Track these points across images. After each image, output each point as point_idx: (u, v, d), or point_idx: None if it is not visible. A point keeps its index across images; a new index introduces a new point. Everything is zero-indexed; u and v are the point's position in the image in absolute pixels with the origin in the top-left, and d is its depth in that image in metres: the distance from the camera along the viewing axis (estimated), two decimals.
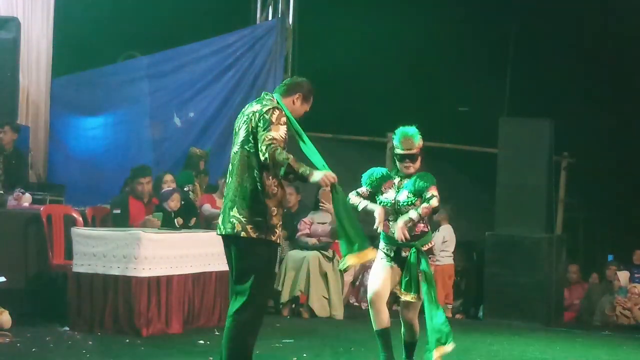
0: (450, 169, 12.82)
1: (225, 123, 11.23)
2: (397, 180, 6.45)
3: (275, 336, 8.02)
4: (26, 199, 9.01)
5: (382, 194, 6.46)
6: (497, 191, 10.53)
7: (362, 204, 6.42)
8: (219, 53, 11.74)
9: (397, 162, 6.47)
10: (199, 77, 11.67)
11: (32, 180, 10.22)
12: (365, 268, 10.71)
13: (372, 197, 6.46)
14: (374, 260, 6.29)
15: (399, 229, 6.26)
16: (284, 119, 5.47)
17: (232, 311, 5.50)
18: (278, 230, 5.54)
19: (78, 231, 8.16)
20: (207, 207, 9.91)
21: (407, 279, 6.36)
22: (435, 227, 10.14)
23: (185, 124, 11.63)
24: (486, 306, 10.36)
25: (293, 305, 9.83)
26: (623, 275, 10.71)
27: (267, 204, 5.46)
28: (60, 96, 11.40)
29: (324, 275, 9.79)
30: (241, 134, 5.53)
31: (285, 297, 9.75)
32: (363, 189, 6.49)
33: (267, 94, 5.68)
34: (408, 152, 6.38)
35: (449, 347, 6.32)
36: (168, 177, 9.54)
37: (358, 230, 5.64)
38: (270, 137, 5.34)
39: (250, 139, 5.48)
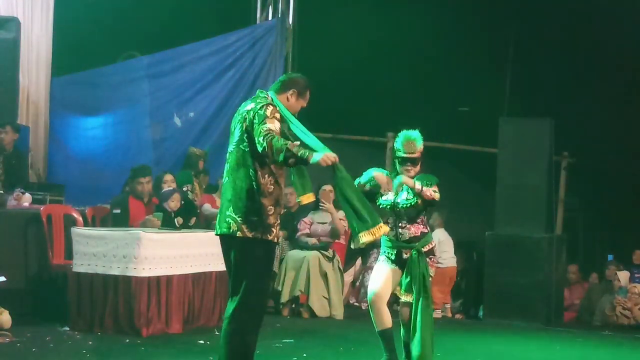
0: (450, 169, 12.81)
1: (225, 123, 11.22)
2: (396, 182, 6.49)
3: (275, 336, 8.02)
4: (26, 199, 9.01)
5: (381, 196, 6.50)
6: (497, 191, 10.53)
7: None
8: (219, 53, 11.73)
9: (398, 165, 6.50)
10: (199, 77, 11.66)
11: (32, 180, 10.22)
12: (365, 268, 10.73)
13: (368, 194, 6.48)
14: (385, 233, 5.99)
15: (403, 177, 6.28)
16: (278, 115, 5.46)
17: (229, 312, 5.48)
18: (275, 230, 5.51)
19: (78, 231, 8.16)
20: (207, 207, 9.91)
21: (407, 280, 6.38)
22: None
23: (185, 124, 11.62)
24: (486, 306, 10.36)
25: (293, 305, 9.83)
26: (623, 275, 10.71)
27: (262, 203, 5.44)
28: (60, 96, 11.40)
29: (324, 275, 9.79)
30: (236, 134, 5.53)
31: (285, 297, 9.75)
32: (361, 184, 6.51)
33: (261, 92, 5.66)
34: (410, 155, 6.43)
35: None
36: (168, 177, 9.54)
37: (367, 207, 5.53)
38: (266, 128, 5.32)
39: (245, 137, 5.47)
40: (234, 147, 5.54)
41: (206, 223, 9.60)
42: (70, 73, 11.73)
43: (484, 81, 13.02)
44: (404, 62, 13.32)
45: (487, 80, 13.15)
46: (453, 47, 13.37)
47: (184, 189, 9.39)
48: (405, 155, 6.44)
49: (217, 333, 7.74)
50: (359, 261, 11.05)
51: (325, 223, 10.06)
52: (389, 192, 6.47)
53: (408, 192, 6.39)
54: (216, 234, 5.61)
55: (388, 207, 6.46)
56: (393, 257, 6.47)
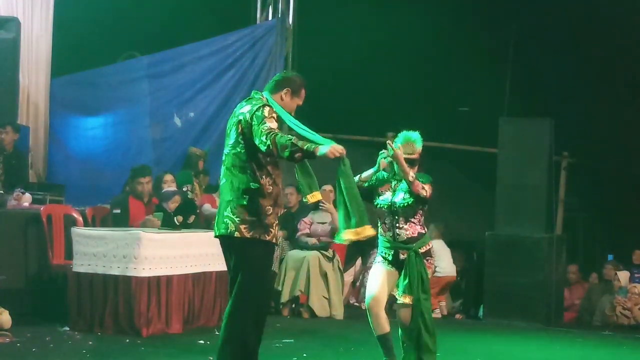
0: (450, 169, 12.82)
1: (225, 123, 11.18)
2: (393, 183, 6.50)
3: (275, 336, 8.02)
4: (26, 199, 9.01)
5: (379, 196, 6.51)
6: (497, 191, 10.53)
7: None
8: (219, 53, 11.73)
9: (393, 166, 6.50)
10: (199, 77, 11.66)
11: (32, 180, 10.23)
12: (365, 268, 10.73)
13: (366, 192, 6.48)
14: (371, 237, 5.87)
15: (397, 152, 6.27)
16: (275, 115, 5.46)
17: (228, 312, 5.48)
18: (274, 230, 5.51)
19: (78, 231, 8.16)
20: (207, 207, 9.90)
21: (406, 282, 6.38)
22: None
23: (185, 124, 11.62)
24: (486, 306, 10.36)
25: (293, 305, 9.83)
26: (623, 275, 10.70)
27: (261, 204, 5.44)
28: (60, 96, 11.40)
29: (324, 275, 9.79)
30: (232, 136, 5.52)
31: (285, 297, 9.75)
32: (362, 178, 6.51)
33: (256, 93, 5.66)
34: (409, 156, 6.43)
35: None
36: (168, 177, 9.55)
37: (359, 205, 5.50)
38: (267, 127, 5.32)
39: (240, 140, 5.46)
40: (230, 149, 5.54)
41: (206, 223, 9.59)
42: (70, 73, 11.73)
43: (484, 81, 13.00)
44: (404, 62, 13.30)
45: (487, 80, 13.14)
46: (453, 47, 13.35)
47: (184, 189, 9.39)
48: (404, 156, 6.45)
49: (217, 333, 7.70)
50: (359, 261, 11.05)
51: (325, 223, 10.07)
52: (386, 193, 6.49)
53: (405, 192, 6.41)
54: (215, 236, 5.61)
55: (385, 207, 6.47)
56: (390, 258, 6.49)
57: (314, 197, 5.67)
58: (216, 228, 5.57)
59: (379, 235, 6.51)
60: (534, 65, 13.52)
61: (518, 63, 13.87)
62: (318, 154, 5.25)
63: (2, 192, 8.97)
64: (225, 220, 5.47)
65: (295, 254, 9.91)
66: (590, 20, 12.88)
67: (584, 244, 13.85)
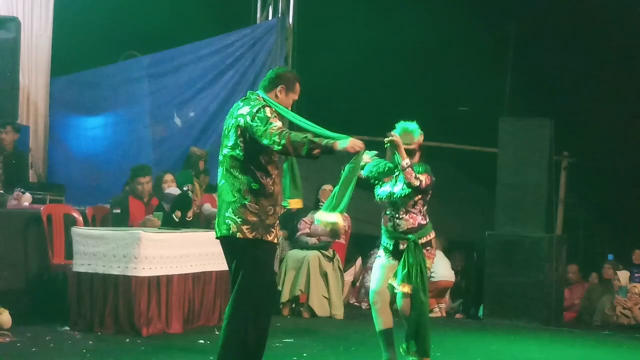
0: (450, 169, 12.83)
1: None
2: (395, 173, 6.54)
3: (275, 336, 8.00)
4: (26, 199, 9.01)
5: (380, 187, 6.58)
6: (497, 191, 10.53)
7: None
8: (219, 53, 11.73)
9: (394, 155, 6.52)
10: (199, 77, 11.66)
11: (32, 180, 10.23)
12: (365, 269, 10.73)
13: (366, 182, 6.50)
14: (336, 226, 5.75)
15: (394, 137, 6.32)
16: (275, 113, 5.45)
17: (229, 312, 5.48)
18: (275, 230, 5.51)
19: (78, 231, 8.15)
20: (207, 207, 9.90)
21: (405, 271, 6.39)
22: None
23: (185, 124, 11.63)
24: (486, 306, 10.36)
25: (293, 305, 9.83)
26: (623, 275, 10.70)
27: (262, 204, 5.44)
28: (60, 96, 11.41)
29: (324, 275, 9.79)
30: (231, 137, 5.47)
31: (285, 296, 9.75)
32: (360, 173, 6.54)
33: (252, 93, 5.62)
34: (407, 147, 6.45)
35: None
36: (168, 177, 9.55)
37: (347, 197, 5.49)
38: (276, 127, 5.28)
39: (239, 141, 5.43)
40: (229, 150, 5.49)
41: (206, 223, 9.59)
42: (70, 73, 11.74)
43: (484, 81, 13.01)
44: (404, 62, 13.31)
45: (487, 80, 13.15)
46: (453, 47, 13.37)
47: (184, 188, 9.39)
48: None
49: (217, 333, 7.72)
50: (359, 261, 11.05)
51: None
52: (387, 183, 6.51)
53: (403, 183, 6.43)
54: (216, 237, 5.60)
55: (385, 198, 6.53)
56: (391, 248, 6.55)
57: (295, 203, 5.66)
58: (217, 229, 5.56)
59: (382, 225, 6.58)
60: (534, 65, 13.54)
61: (518, 63, 13.89)
62: (338, 148, 5.24)
63: (2, 192, 8.97)
64: (226, 221, 5.46)
65: (296, 253, 9.91)
66: (591, 20, 12.89)
67: (584, 244, 13.86)
